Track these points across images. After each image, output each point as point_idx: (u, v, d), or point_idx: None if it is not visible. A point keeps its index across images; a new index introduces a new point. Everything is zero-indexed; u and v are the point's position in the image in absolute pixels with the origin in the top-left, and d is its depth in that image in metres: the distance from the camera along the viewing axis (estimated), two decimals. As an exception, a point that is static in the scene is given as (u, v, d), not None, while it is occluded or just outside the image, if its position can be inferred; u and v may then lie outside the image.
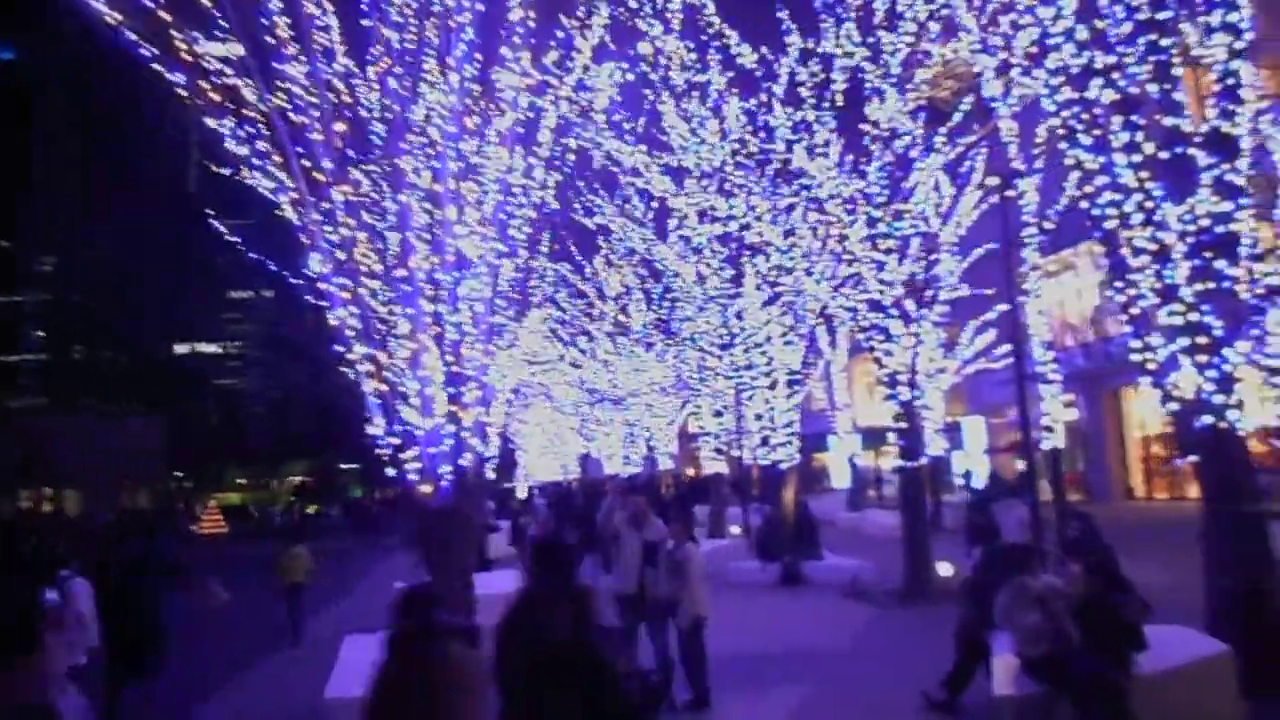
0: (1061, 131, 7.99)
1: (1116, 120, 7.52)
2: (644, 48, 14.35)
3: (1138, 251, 7.58)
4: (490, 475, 16.39)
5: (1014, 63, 10.32)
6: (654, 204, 22.02)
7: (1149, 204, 7.43)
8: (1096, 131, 7.69)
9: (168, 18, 7.06)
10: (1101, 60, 7.52)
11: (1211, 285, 7.27)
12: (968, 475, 32.06)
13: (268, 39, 7.29)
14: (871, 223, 14.06)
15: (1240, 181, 7.41)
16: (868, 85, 13.94)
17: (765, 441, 18.32)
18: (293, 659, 12.50)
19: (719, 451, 24.77)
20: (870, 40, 13.88)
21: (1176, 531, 13.12)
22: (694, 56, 16.37)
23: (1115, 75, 7.48)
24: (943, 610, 10.75)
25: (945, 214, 17.40)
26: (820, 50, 14.66)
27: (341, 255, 7.45)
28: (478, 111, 7.97)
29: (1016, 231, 13.78)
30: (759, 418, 18.51)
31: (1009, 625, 6.58)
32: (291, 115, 7.35)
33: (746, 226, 17.42)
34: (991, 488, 17.60)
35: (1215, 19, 7.38)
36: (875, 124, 13.91)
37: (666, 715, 8.00)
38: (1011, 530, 9.88)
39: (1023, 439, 11.98)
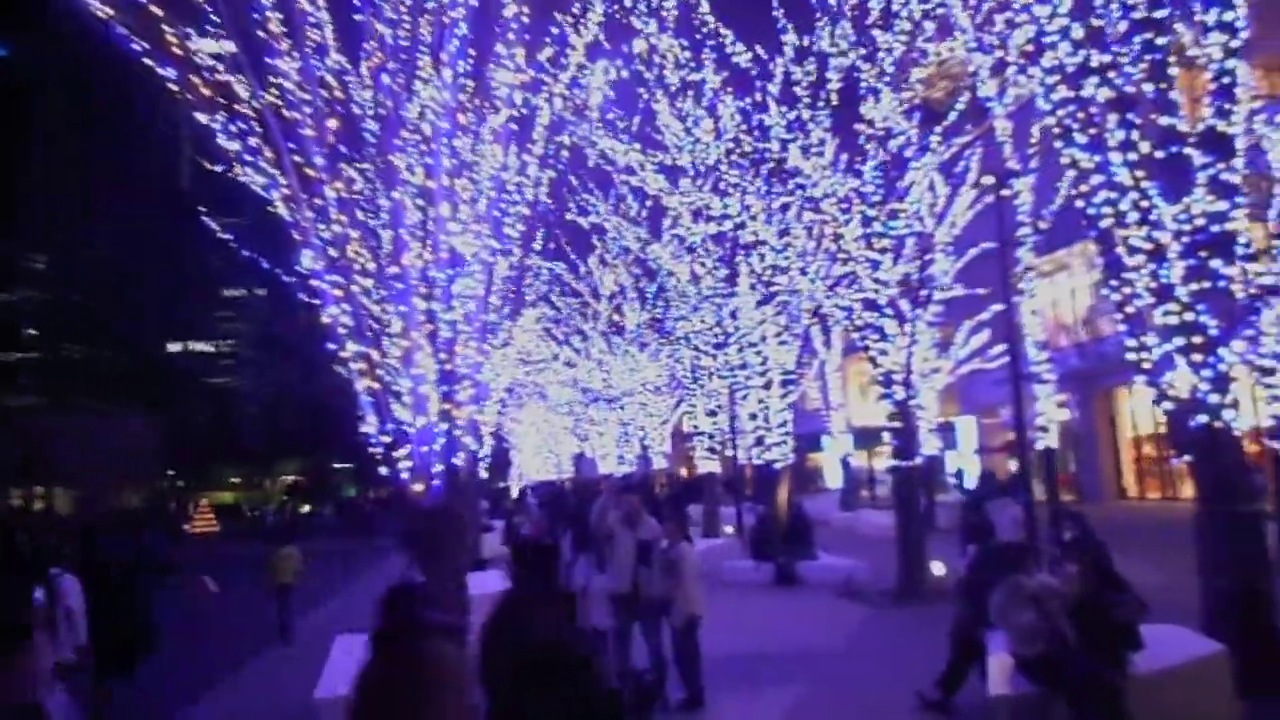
0: (1057, 130, 7.97)
1: (1112, 119, 7.51)
2: (639, 45, 14.31)
3: (1133, 250, 7.57)
4: (484, 475, 16.34)
5: (1010, 61, 10.31)
6: (648, 203, 22.00)
7: (1144, 203, 7.42)
8: (1092, 130, 7.67)
9: (159, 12, 7.01)
10: (1097, 59, 7.50)
11: (1207, 284, 7.26)
12: (959, 475, 32.08)
13: (260, 34, 7.23)
14: (866, 222, 14.05)
15: (1236, 181, 7.40)
16: (863, 84, 13.93)
17: (759, 441, 18.30)
18: (284, 658, 12.45)
19: (713, 451, 24.75)
20: (865, 39, 13.87)
21: (1169, 531, 13.13)
22: (689, 55, 16.34)
23: (1111, 74, 7.46)
24: (937, 610, 10.75)
25: (940, 214, 17.43)
26: (815, 48, 14.64)
27: (334, 252, 7.40)
28: (471, 108, 7.92)
29: (1011, 231, 13.79)
30: (753, 417, 18.49)
31: (1004, 624, 6.56)
32: (284, 111, 7.30)
33: (741, 226, 17.40)
34: (983, 487, 17.56)
35: (1211, 18, 7.37)
36: (870, 123, 13.90)
37: (660, 714, 7.97)
38: (1006, 529, 9.88)
39: (1017, 439, 11.99)
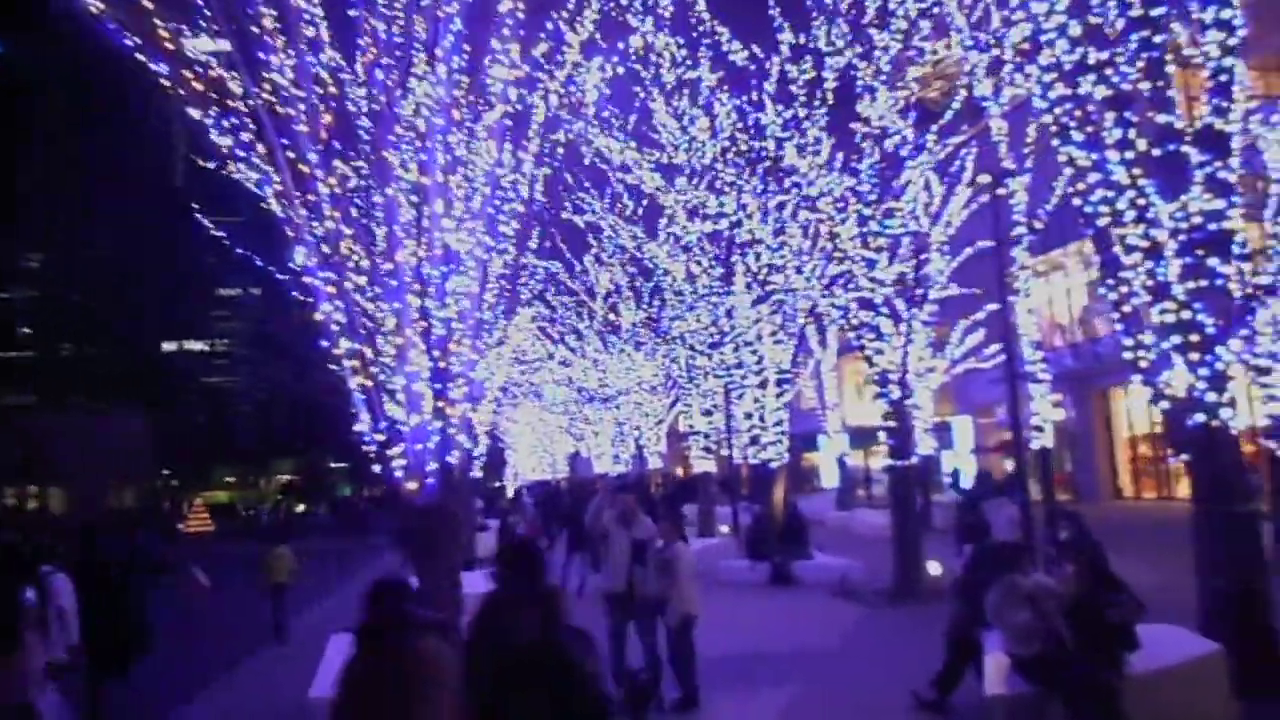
0: (1054, 128, 7.95)
1: (1109, 117, 7.49)
2: (635, 42, 14.27)
3: (1130, 249, 7.55)
4: (479, 474, 16.30)
5: (1006, 59, 10.28)
6: (644, 202, 21.96)
7: (1141, 201, 7.40)
8: (1089, 128, 7.65)
9: (150, 5, 6.95)
10: (1095, 56, 7.48)
11: (1204, 283, 7.24)
12: (954, 474, 32.10)
13: (253, 29, 7.18)
14: (862, 221, 14.03)
15: (1233, 179, 7.38)
16: (859, 83, 13.91)
17: (755, 440, 18.28)
18: (279, 657, 12.41)
19: (708, 450, 24.73)
20: (862, 38, 13.85)
21: (1164, 531, 13.13)
22: (684, 53, 16.30)
23: (1108, 71, 7.44)
24: (932, 609, 10.73)
25: (935, 213, 17.42)
26: (811, 46, 14.61)
27: (327, 249, 7.35)
28: (466, 104, 7.88)
29: (1007, 230, 13.77)
30: (748, 416, 18.47)
31: (1000, 624, 6.54)
32: (277, 107, 7.25)
33: (737, 224, 17.38)
34: (979, 487, 17.57)
35: (1209, 15, 7.35)
36: (866, 121, 13.88)
37: (655, 714, 7.94)
38: (1002, 529, 9.86)
39: (1013, 438, 11.97)
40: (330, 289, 7.32)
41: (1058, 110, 7.84)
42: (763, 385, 18.21)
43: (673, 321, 22.49)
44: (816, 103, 14.73)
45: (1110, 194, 7.56)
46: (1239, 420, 7.46)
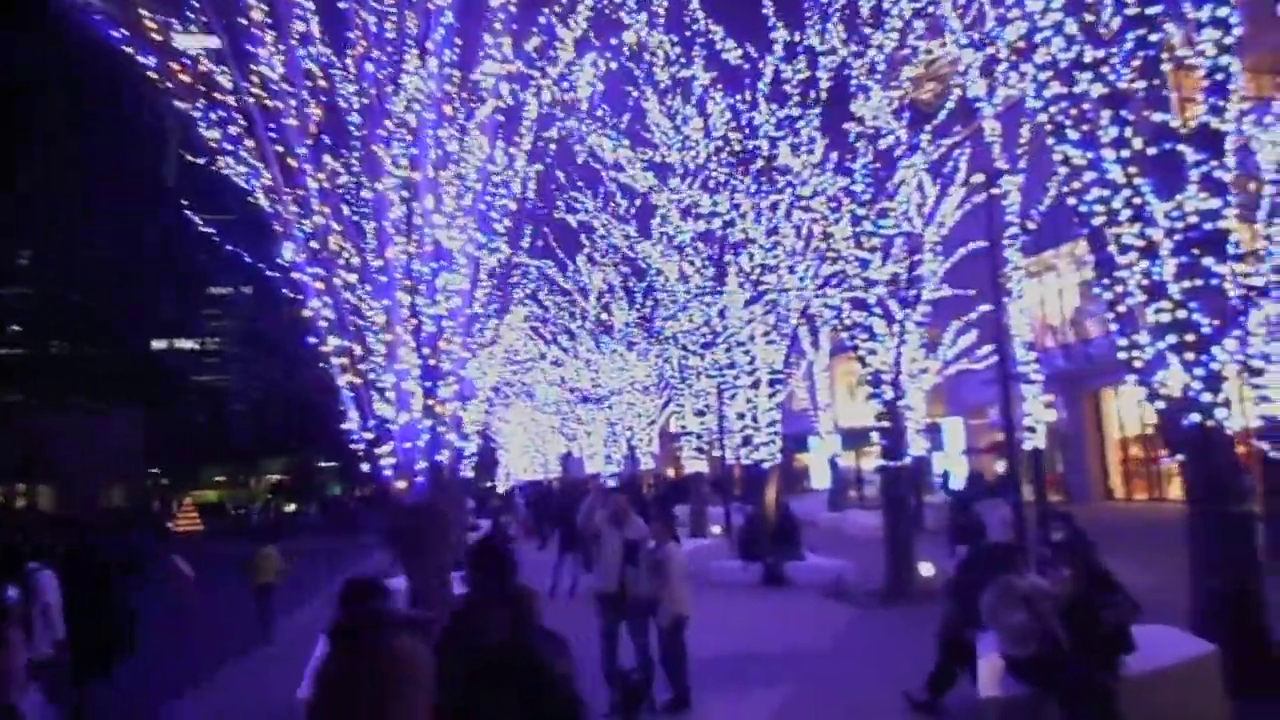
0: (1049, 127, 7.91)
1: (1105, 115, 7.45)
2: (628, 37, 14.21)
3: (1125, 248, 7.51)
4: (470, 473, 16.22)
5: (1001, 57, 10.25)
6: (637, 201, 21.91)
7: (1137, 200, 7.36)
8: (1085, 127, 7.62)
9: (137, -3, 6.88)
10: (1091, 54, 7.44)
11: (1199, 282, 7.21)
12: (945, 476, 32.11)
13: (242, 21, 7.10)
14: (856, 221, 13.99)
15: (1228, 178, 7.36)
16: (853, 82, 13.87)
17: (747, 441, 18.24)
18: (269, 657, 12.33)
19: (700, 451, 24.68)
20: (856, 36, 13.81)
21: (1156, 532, 13.13)
22: (678, 51, 16.26)
23: (1104, 69, 7.41)
24: (925, 610, 10.69)
25: (929, 214, 17.40)
26: (806, 44, 14.57)
27: (315, 245, 7.28)
28: (457, 99, 7.81)
29: (999, 231, 13.76)
30: (741, 417, 18.43)
31: (995, 625, 6.49)
32: (266, 101, 7.17)
33: (730, 224, 17.33)
34: (971, 488, 17.58)
35: (1204, 14, 7.32)
36: (860, 121, 13.85)
37: (647, 715, 7.89)
38: (996, 530, 9.82)
39: (1006, 439, 11.95)
40: (319, 285, 7.25)
41: (1053, 109, 7.80)
42: (755, 386, 18.17)
43: (665, 321, 22.44)
44: (810, 102, 14.69)
45: (1106, 193, 7.53)
46: (1233, 421, 7.42)
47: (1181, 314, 7.25)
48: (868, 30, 13.67)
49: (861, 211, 13.98)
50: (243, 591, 13.87)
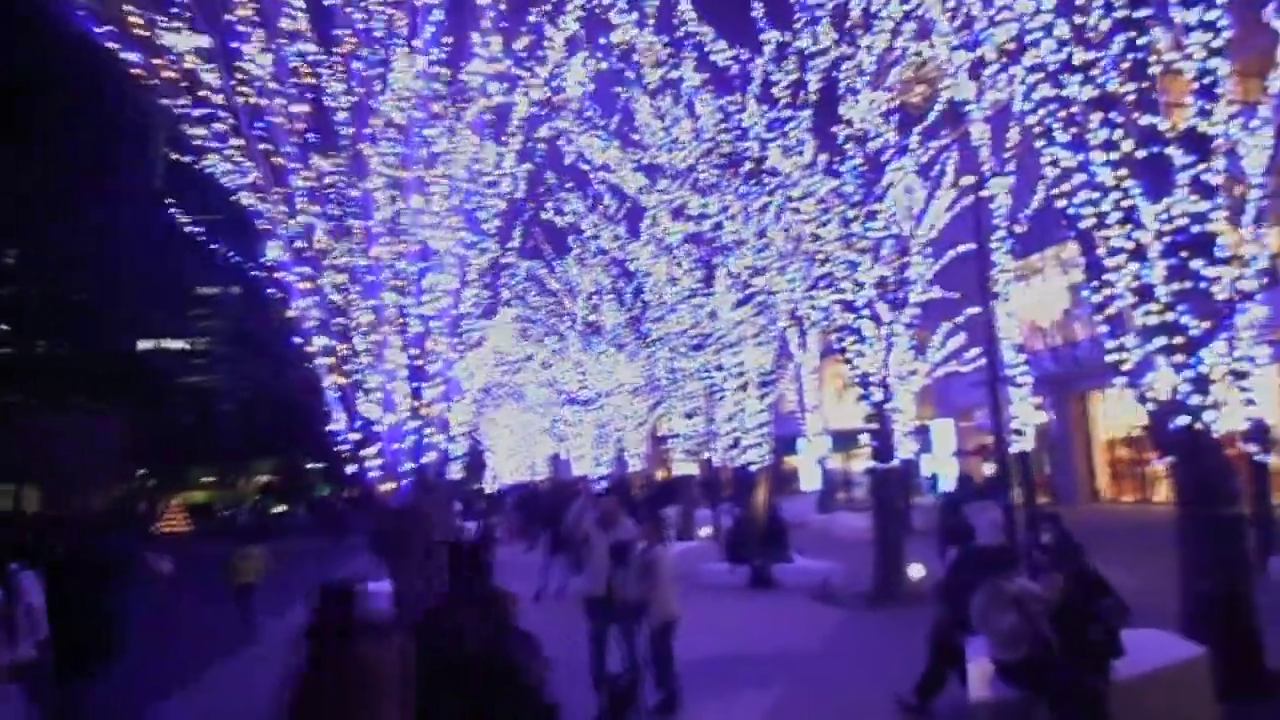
0: (1038, 130, 7.90)
1: (1094, 118, 7.45)
2: (617, 37, 14.18)
3: (1114, 251, 7.51)
4: (457, 475, 16.13)
5: (989, 60, 10.25)
6: (626, 203, 21.87)
7: (1126, 203, 7.36)
8: (1074, 129, 7.61)
9: (122, -8, 6.80)
10: (1080, 56, 7.44)
11: (1188, 285, 7.21)
12: (933, 477, 32.17)
13: (228, 18, 7.03)
14: (845, 223, 13.98)
15: (1217, 181, 7.36)
16: (842, 84, 13.86)
17: (736, 443, 18.21)
18: (256, 658, 12.24)
19: (689, 453, 24.64)
20: (845, 38, 13.81)
21: (1143, 534, 13.16)
22: (668, 52, 16.22)
23: (1094, 72, 7.40)
24: (914, 612, 10.68)
25: (917, 216, 17.41)
26: (795, 45, 14.56)
27: (301, 244, 7.21)
28: (446, 97, 7.75)
29: (988, 234, 13.78)
30: (730, 419, 18.40)
31: (985, 628, 6.47)
32: (252, 98, 7.10)
33: (719, 226, 17.31)
34: (961, 490, 17.59)
35: (1193, 16, 7.33)
36: (849, 123, 13.84)
37: (635, 718, 7.84)
38: (986, 532, 9.81)
39: (995, 442, 11.95)
40: (305, 285, 7.18)
41: (1042, 111, 7.80)
42: (744, 388, 18.14)
43: (654, 323, 22.39)
44: (800, 104, 14.67)
45: (1095, 195, 7.53)
46: (1223, 423, 7.42)
47: (1170, 316, 7.25)
48: (857, 32, 13.66)
49: (851, 214, 13.97)
50: (229, 592, 13.80)
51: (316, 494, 76.28)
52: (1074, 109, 7.61)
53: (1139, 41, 7.40)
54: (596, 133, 17.94)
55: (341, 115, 7.45)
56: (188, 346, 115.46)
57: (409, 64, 7.31)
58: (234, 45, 7.10)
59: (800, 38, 14.39)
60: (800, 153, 14.56)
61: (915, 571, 13.64)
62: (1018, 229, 15.01)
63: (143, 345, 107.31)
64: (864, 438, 14.94)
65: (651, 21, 15.47)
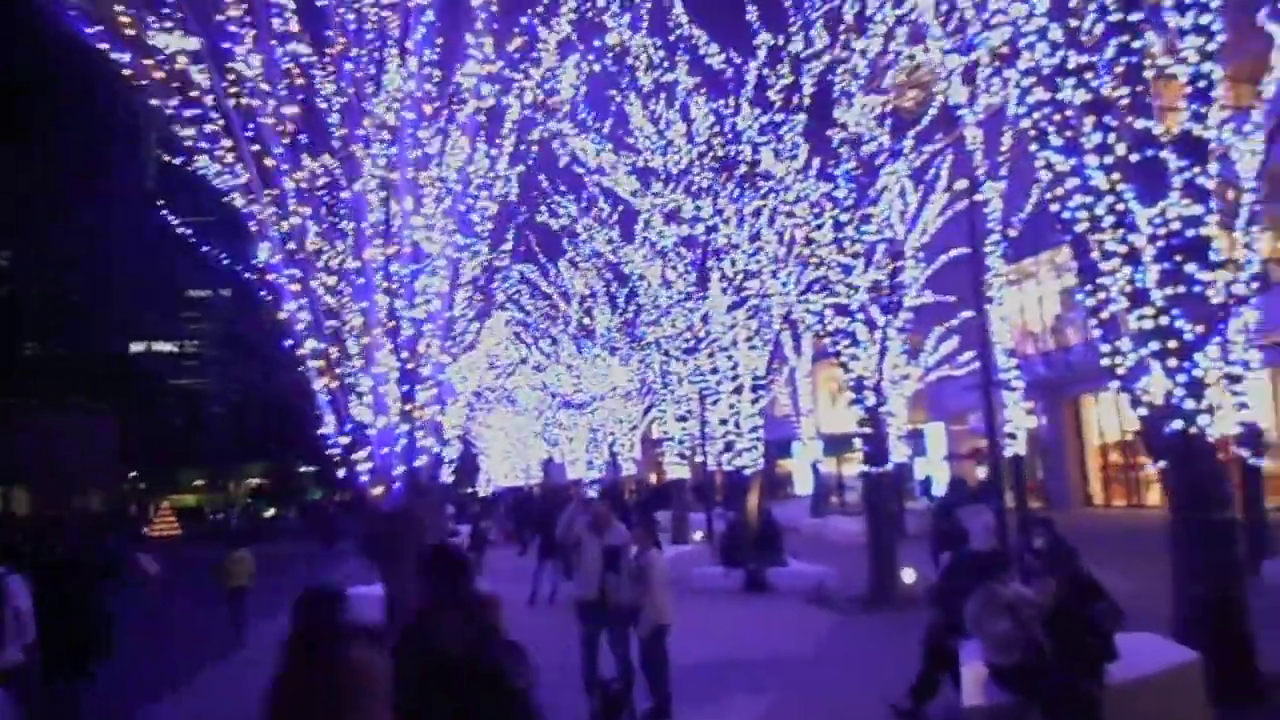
0: (1032, 133, 7.89)
1: (1088, 121, 7.44)
2: (611, 39, 14.16)
3: (1108, 255, 7.49)
4: (449, 478, 16.06)
5: (983, 63, 10.25)
6: (620, 206, 21.87)
7: (1120, 206, 7.35)
8: (1068, 133, 7.60)
9: (111, -8, 6.76)
10: (1074, 60, 7.43)
11: (1182, 289, 7.19)
12: (926, 481, 32.17)
13: (219, 18, 6.99)
14: (839, 226, 13.97)
15: (1211, 185, 7.36)
16: (836, 87, 13.87)
17: (729, 447, 18.19)
18: (247, 661, 12.16)
19: (683, 457, 24.62)
20: (839, 43, 13.81)
21: (1135, 538, 13.17)
22: (661, 55, 16.22)
23: (1088, 76, 7.40)
24: (907, 616, 10.66)
25: (910, 220, 17.43)
26: (789, 49, 14.57)
27: (292, 246, 7.16)
28: (437, 98, 7.71)
29: (982, 238, 13.78)
30: (723, 423, 18.38)
31: (979, 633, 6.44)
32: (244, 99, 7.06)
33: (713, 229, 17.31)
34: (953, 494, 17.59)
35: (1187, 20, 7.33)
36: (843, 126, 13.84)
37: (627, 725, 7.80)
38: (979, 537, 9.77)
39: (989, 446, 11.94)
40: (295, 287, 7.13)
41: (1036, 115, 7.78)
42: (738, 391, 18.12)
43: (648, 326, 22.38)
44: (793, 108, 14.67)
45: (1089, 199, 7.51)
46: (1216, 428, 7.41)
47: (1164, 321, 7.24)
48: (851, 36, 13.67)
49: (844, 217, 13.96)
50: (220, 596, 13.73)
51: (308, 497, 76.01)
52: (1068, 113, 7.60)
53: (1133, 45, 7.39)
54: (590, 136, 17.92)
55: (333, 117, 7.41)
56: (178, 349, 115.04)
57: (401, 65, 7.27)
58: (225, 46, 7.05)
59: (794, 41, 14.40)
60: (794, 156, 14.56)
61: (908, 575, 13.63)
62: (1011, 233, 15.04)
63: (134, 347, 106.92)
64: (857, 441, 14.94)
65: (645, 24, 15.47)
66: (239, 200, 7.22)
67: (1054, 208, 7.91)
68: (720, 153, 16.40)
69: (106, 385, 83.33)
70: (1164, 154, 7.35)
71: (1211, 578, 7.29)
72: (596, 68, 10.85)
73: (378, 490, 7.23)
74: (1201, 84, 7.35)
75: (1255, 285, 10.50)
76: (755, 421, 18.08)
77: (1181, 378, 7.22)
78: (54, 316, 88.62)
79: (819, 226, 14.04)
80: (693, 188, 17.49)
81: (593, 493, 17.05)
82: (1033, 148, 7.96)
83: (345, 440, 7.37)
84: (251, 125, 7.11)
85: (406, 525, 7.35)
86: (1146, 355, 7.40)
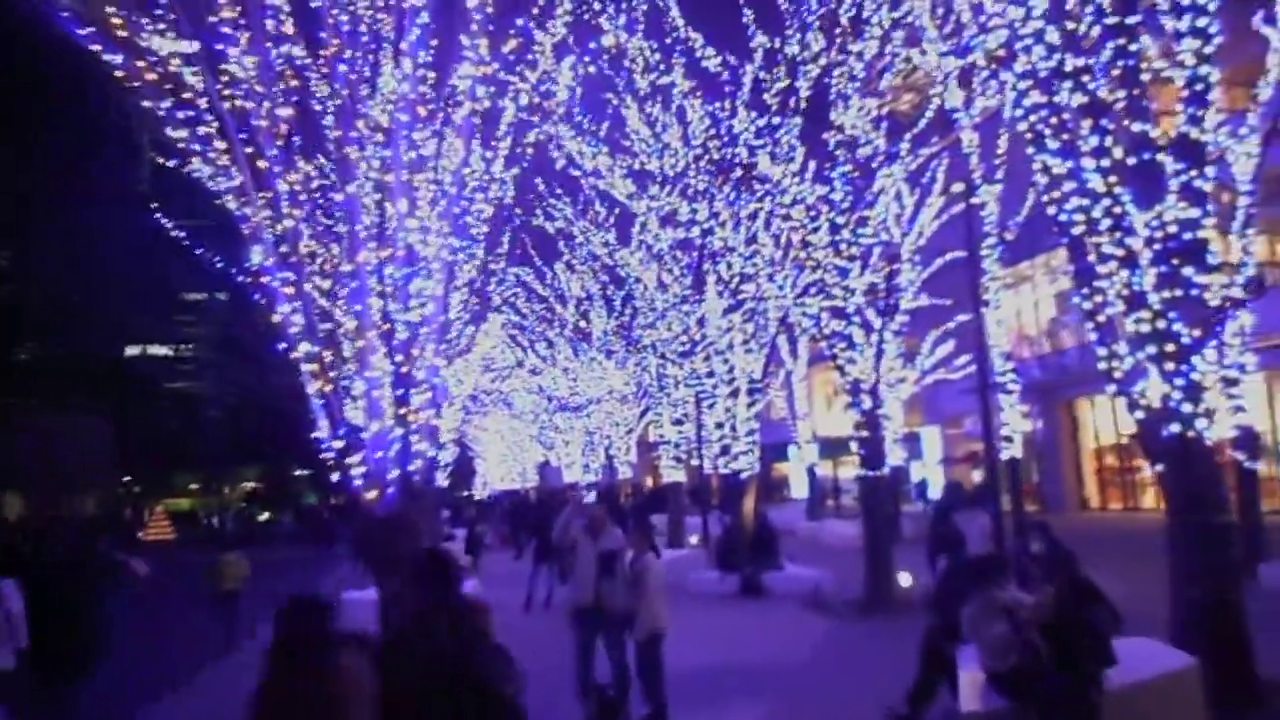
0: (1029, 136, 7.88)
1: (1085, 124, 7.42)
2: (607, 40, 14.13)
3: (1105, 258, 7.47)
4: (444, 482, 16.01)
5: (980, 66, 10.24)
6: (616, 209, 21.86)
7: (1117, 209, 7.33)
8: (1065, 136, 7.59)
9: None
10: (1071, 63, 7.42)
11: (1179, 292, 7.17)
12: (922, 484, 32.20)
13: (211, 19, 6.94)
14: (835, 229, 13.96)
15: (1208, 188, 7.34)
16: (833, 90, 13.85)
17: (725, 450, 18.15)
18: (240, 665, 12.10)
19: (679, 460, 24.58)
20: (835, 46, 13.80)
21: (1131, 542, 13.15)
22: (658, 58, 16.20)
23: (1085, 78, 7.38)
24: (903, 621, 10.63)
25: (907, 224, 17.43)
26: (785, 52, 14.56)
27: (285, 248, 7.12)
28: (432, 100, 7.68)
29: (979, 241, 13.78)
30: (719, 426, 18.35)
31: (976, 637, 6.41)
32: (237, 100, 7.01)
33: (709, 232, 17.29)
34: (949, 497, 17.58)
35: (1184, 23, 7.31)
36: (840, 129, 13.83)
37: (623, 731, 7.76)
38: (977, 541, 9.76)
39: (985, 449, 11.92)
40: (288, 290, 7.09)
41: (1033, 118, 7.77)
42: (734, 394, 18.09)
43: (644, 330, 22.36)
44: (790, 110, 14.65)
45: (1086, 202, 7.49)
46: (1213, 431, 7.39)
47: (1161, 324, 7.22)
48: (847, 38, 13.66)
49: (840, 220, 13.94)
50: (213, 599, 13.70)
51: (303, 501, 75.86)
52: (1065, 116, 7.59)
53: (1130, 48, 7.38)
54: (586, 138, 17.90)
55: (327, 119, 7.38)
56: (173, 352, 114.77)
57: (396, 67, 7.23)
58: (218, 47, 7.01)
59: (790, 44, 14.39)
60: (790, 159, 14.54)
61: (905, 580, 13.60)
62: (1008, 236, 15.04)
63: (129, 351, 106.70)
64: (853, 445, 14.91)
65: (641, 27, 15.45)
66: (232, 203, 7.17)
67: (1051, 211, 7.90)
68: (716, 155, 16.38)
69: (101, 388, 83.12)
70: (1161, 157, 7.34)
71: (1209, 581, 7.27)
72: (592, 70, 10.80)
73: (371, 494, 7.18)
74: (1199, 87, 7.33)
75: (1251, 288, 10.48)
76: (751, 425, 18.06)
77: (1179, 381, 7.20)
78: (49, 319, 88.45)
79: (815, 229, 14.02)
80: (689, 190, 17.47)
81: (589, 496, 17.01)
82: (1030, 151, 7.95)
83: (339, 444, 7.32)
84: (245, 128, 7.07)
85: (401, 530, 7.30)
86: (1144, 359, 7.38)
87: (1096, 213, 7.43)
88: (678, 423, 23.50)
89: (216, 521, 58.59)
